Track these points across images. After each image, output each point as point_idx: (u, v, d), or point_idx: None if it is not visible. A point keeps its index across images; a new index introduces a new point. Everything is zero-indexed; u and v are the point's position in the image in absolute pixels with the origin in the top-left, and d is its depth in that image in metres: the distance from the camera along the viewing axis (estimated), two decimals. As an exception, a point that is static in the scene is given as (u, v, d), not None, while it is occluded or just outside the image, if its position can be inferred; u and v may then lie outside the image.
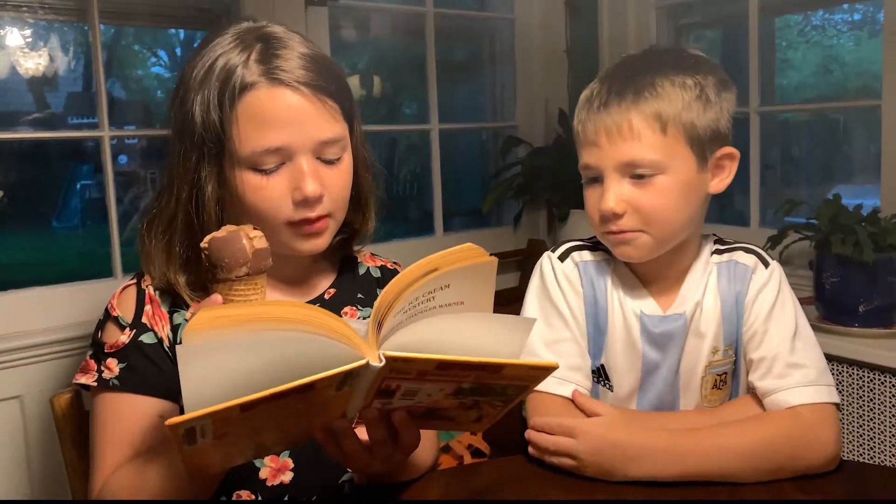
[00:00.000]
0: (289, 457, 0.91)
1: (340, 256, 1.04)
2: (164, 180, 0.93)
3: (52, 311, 1.62)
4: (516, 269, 2.43)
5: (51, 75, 2.19)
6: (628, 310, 1.00)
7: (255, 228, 0.75)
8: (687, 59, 0.98)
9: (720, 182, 0.98)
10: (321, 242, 0.91)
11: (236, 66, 0.86)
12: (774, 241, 1.70)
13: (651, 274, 1.01)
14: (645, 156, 0.92)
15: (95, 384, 0.89)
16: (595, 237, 1.06)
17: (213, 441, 0.60)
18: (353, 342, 0.61)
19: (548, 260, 1.03)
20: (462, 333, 0.66)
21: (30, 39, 2.02)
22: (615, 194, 0.93)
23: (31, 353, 1.55)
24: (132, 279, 0.95)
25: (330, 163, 0.89)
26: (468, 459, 2.11)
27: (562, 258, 1.03)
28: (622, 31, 2.35)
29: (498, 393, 0.68)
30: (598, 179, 0.95)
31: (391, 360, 0.60)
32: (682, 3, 2.36)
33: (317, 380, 0.57)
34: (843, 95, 2.41)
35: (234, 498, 0.89)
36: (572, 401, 0.95)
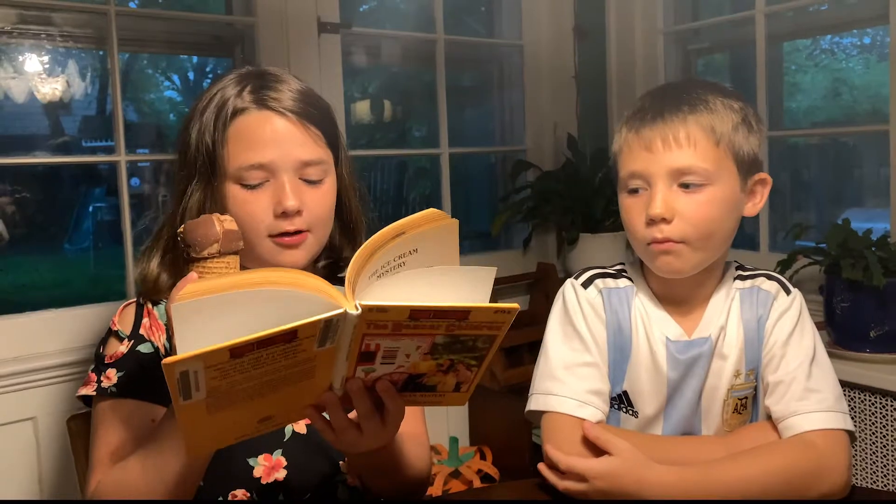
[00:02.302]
0: (282, 455, 0.95)
1: (331, 280, 1.08)
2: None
3: (65, 332, 1.63)
4: (526, 292, 2.43)
5: (67, 100, 2.22)
6: (653, 335, 1.00)
7: (227, 216, 0.81)
8: (728, 88, 1.02)
9: (753, 206, 1.01)
10: (299, 255, 0.97)
11: (230, 96, 0.96)
12: (784, 266, 1.70)
13: (675, 299, 1.02)
14: (699, 164, 0.93)
15: (95, 393, 0.95)
16: (616, 265, 1.07)
17: (206, 400, 0.64)
18: (331, 296, 0.66)
19: (571, 287, 1.04)
20: (429, 286, 0.71)
21: (48, 65, 2.06)
22: (664, 199, 0.94)
23: (45, 374, 1.57)
24: (134, 299, 1.02)
25: (312, 183, 0.96)
26: (477, 485, 2.11)
27: (585, 285, 1.04)
28: (630, 57, 2.37)
29: (470, 348, 0.71)
30: (641, 190, 0.97)
31: (367, 310, 0.65)
32: (690, 29, 2.39)
33: (299, 326, 0.61)
34: (853, 119, 2.42)
35: (230, 497, 0.93)
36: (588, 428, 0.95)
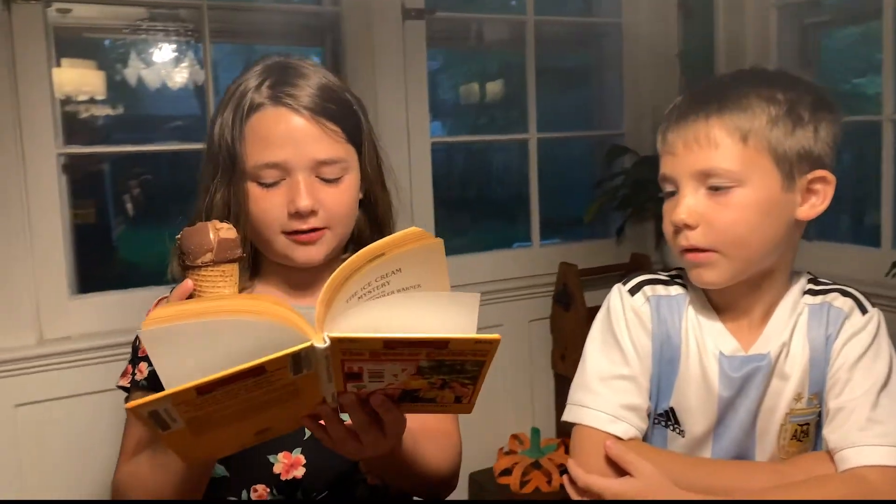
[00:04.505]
0: (301, 453, 0.96)
1: None
2: None
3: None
4: (617, 283, 2.34)
5: (192, 87, 2.36)
6: (705, 349, 0.93)
7: (227, 223, 0.81)
8: (782, 76, 0.93)
9: (811, 208, 0.90)
10: (315, 252, 0.96)
11: (249, 90, 0.95)
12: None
13: (732, 309, 0.94)
14: (721, 165, 0.86)
15: (129, 385, 0.99)
16: (672, 270, 1.01)
17: (187, 427, 0.64)
18: (298, 327, 0.64)
19: (617, 293, 0.99)
20: (410, 313, 0.68)
21: (175, 54, 2.19)
22: (688, 205, 0.88)
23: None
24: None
25: (329, 181, 0.95)
26: (556, 479, 2.07)
27: (632, 291, 0.97)
28: (740, 33, 2.20)
29: (459, 371, 0.69)
30: (674, 193, 0.91)
31: (336, 341, 0.63)
32: (808, 1, 2.17)
33: (265, 362, 0.60)
34: None
35: (251, 491, 0.95)
36: (619, 438, 0.90)
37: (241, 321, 0.63)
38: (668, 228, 0.92)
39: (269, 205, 0.93)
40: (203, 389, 0.59)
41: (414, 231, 0.71)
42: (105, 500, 0.93)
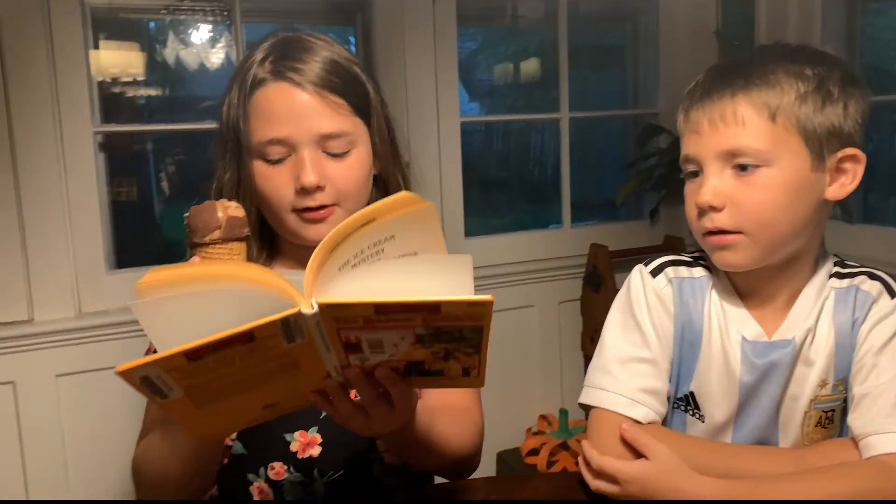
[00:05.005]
0: (317, 432, 0.96)
1: None
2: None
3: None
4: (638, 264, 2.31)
5: (228, 67, 2.39)
6: (728, 333, 0.91)
7: (234, 202, 0.81)
8: (809, 51, 0.89)
9: (841, 188, 0.87)
10: (325, 230, 0.95)
11: (253, 65, 0.94)
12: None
13: (757, 293, 0.91)
14: (749, 143, 0.83)
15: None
16: (695, 252, 0.98)
17: (187, 397, 0.64)
18: (286, 293, 0.63)
19: (638, 274, 0.96)
20: (402, 279, 0.67)
21: (211, 35, 2.22)
22: (713, 186, 0.85)
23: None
24: None
25: (336, 156, 0.94)
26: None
27: (654, 273, 0.95)
28: (782, 8, 2.12)
29: (458, 338, 0.67)
30: (697, 174, 0.88)
31: (325, 307, 0.62)
32: (856, -26, 2.09)
33: (253, 327, 0.59)
34: None
35: (268, 469, 0.96)
36: (638, 422, 0.89)
37: (227, 290, 0.63)
38: (691, 211, 0.89)
39: (276, 182, 0.93)
40: (192, 355, 0.59)
41: (405, 195, 0.69)
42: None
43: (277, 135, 0.92)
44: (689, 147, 0.88)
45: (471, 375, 0.74)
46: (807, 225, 0.87)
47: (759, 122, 0.83)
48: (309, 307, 0.62)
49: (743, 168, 0.84)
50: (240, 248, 0.79)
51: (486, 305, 0.63)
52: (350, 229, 0.67)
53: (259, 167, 0.94)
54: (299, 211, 0.94)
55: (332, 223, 0.94)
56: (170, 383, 0.61)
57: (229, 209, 0.78)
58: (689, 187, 0.89)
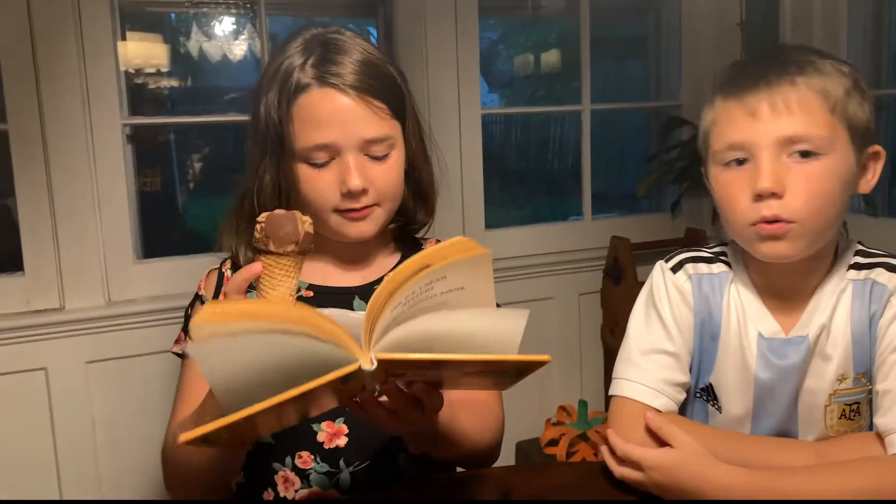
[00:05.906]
0: (343, 423, 0.99)
1: (404, 241, 1.11)
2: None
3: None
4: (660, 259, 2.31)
5: (252, 60, 2.41)
6: (745, 329, 0.92)
7: (307, 217, 0.80)
8: (825, 52, 0.89)
9: (867, 182, 0.89)
10: (366, 227, 0.98)
11: (294, 68, 0.95)
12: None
13: (778, 290, 0.92)
14: (815, 131, 0.83)
15: (181, 352, 1.04)
16: (716, 247, 0.99)
17: (230, 436, 0.64)
18: (347, 347, 0.63)
19: (659, 270, 0.98)
20: (459, 328, 0.67)
21: (235, 27, 2.24)
22: (773, 171, 0.83)
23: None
24: (219, 264, 1.08)
25: (377, 159, 0.97)
26: (602, 451, 2.07)
27: (674, 269, 0.97)
28: (807, 1, 2.10)
29: (502, 374, 0.69)
30: (744, 161, 0.86)
31: (383, 363, 0.62)
32: (884, -34, 2.06)
33: (309, 389, 0.59)
34: None
35: (296, 458, 0.98)
36: (658, 411, 0.91)
37: (284, 337, 0.61)
38: (738, 199, 0.86)
39: (321, 185, 0.96)
40: (249, 418, 0.59)
41: (461, 241, 0.70)
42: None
43: (323, 140, 0.94)
44: (739, 133, 0.85)
45: (505, 387, 0.75)
46: (841, 217, 0.87)
47: (822, 110, 0.83)
48: (368, 363, 0.62)
49: (804, 155, 0.83)
50: (303, 262, 0.79)
51: (541, 364, 0.65)
52: (404, 277, 0.66)
53: (304, 170, 0.96)
54: (342, 211, 0.97)
55: (372, 220, 0.98)
56: (222, 433, 0.61)
57: (305, 224, 0.77)
58: (734, 176, 0.87)
